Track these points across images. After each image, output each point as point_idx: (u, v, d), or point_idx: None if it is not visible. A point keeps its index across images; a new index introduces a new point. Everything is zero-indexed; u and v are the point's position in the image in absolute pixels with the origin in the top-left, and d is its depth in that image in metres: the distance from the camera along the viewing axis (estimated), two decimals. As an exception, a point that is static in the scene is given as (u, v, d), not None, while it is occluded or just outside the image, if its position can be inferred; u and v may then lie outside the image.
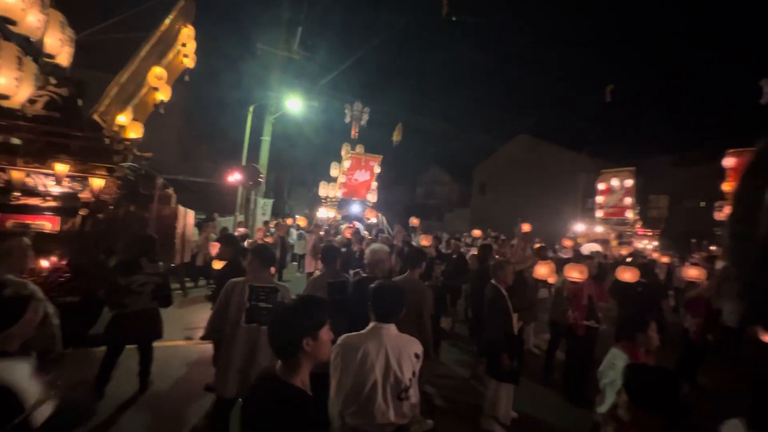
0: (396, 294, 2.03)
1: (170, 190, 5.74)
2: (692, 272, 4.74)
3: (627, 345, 2.81)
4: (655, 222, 14.47)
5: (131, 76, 5.38)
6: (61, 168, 4.42)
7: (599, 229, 13.00)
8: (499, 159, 26.58)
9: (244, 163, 11.70)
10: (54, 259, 4.40)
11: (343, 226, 9.93)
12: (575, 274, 4.13)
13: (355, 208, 13.07)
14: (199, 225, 9.27)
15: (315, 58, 12.83)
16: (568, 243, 10.32)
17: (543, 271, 4.31)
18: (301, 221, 10.36)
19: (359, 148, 13.38)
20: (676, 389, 1.58)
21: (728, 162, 9.98)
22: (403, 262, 4.00)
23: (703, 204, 15.81)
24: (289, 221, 9.72)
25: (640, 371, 1.72)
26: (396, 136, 13.86)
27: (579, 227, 13.68)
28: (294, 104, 11.81)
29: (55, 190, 4.60)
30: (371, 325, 2.01)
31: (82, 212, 4.63)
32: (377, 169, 13.54)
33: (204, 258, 8.26)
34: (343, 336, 1.99)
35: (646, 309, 4.59)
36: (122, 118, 5.31)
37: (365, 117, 13.58)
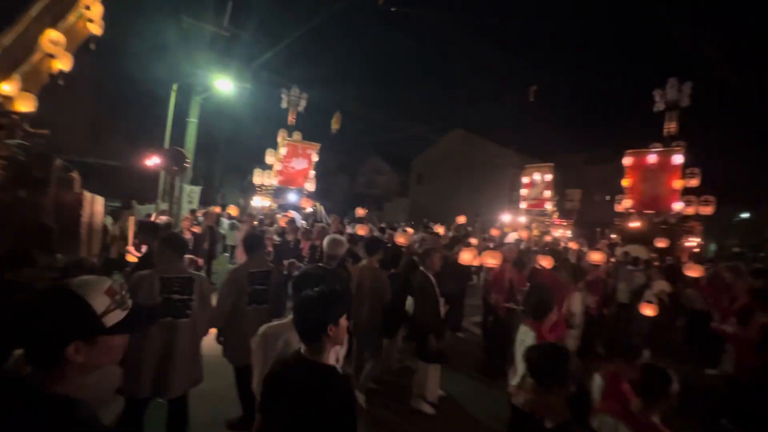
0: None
1: (74, 174, 5.06)
2: (595, 257, 5.37)
3: (535, 323, 3.11)
4: (569, 213, 16.07)
5: (19, 38, 4.59)
6: None
7: (523, 219, 14.12)
8: (436, 151, 27.51)
9: (167, 146, 10.72)
10: None
11: (279, 216, 9.61)
12: (490, 260, 4.46)
13: (291, 197, 12.70)
14: (114, 213, 8.35)
15: (247, 37, 12.07)
16: (495, 232, 11.07)
17: (467, 256, 4.59)
18: (232, 210, 9.81)
19: (296, 135, 12.97)
20: (566, 362, 1.76)
21: (626, 161, 11.41)
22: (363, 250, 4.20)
23: (608, 198, 17.87)
24: (217, 210, 9.13)
25: (540, 353, 1.88)
26: (334, 125, 13.66)
27: (506, 218, 14.74)
28: (224, 85, 11.03)
29: None
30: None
31: (-45, 197, 3.91)
32: (315, 158, 13.26)
33: (118, 249, 7.47)
34: (264, 326, 1.94)
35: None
36: (7, 87, 4.54)
37: (303, 103, 13.17)
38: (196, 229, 7.68)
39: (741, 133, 31.58)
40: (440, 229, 9.74)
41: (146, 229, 3.99)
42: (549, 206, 14.60)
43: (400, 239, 5.11)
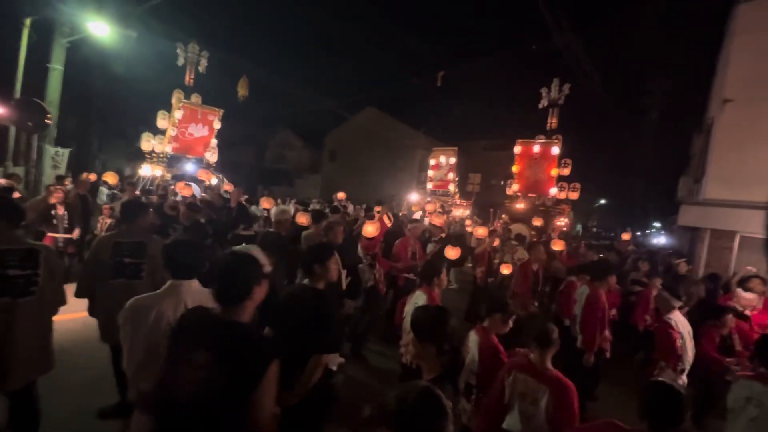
0: (193, 250, 1.89)
1: None
2: (479, 231, 5.98)
3: (427, 288, 3.40)
4: (469, 195, 17.55)
5: None
6: None
7: (429, 199, 15.00)
8: (350, 128, 27.26)
9: (18, 96, 8.70)
10: None
11: (172, 187, 8.65)
12: (369, 228, 4.75)
13: (189, 168, 11.47)
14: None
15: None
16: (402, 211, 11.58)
17: (370, 229, 4.76)
18: (110, 178, 8.49)
19: (195, 98, 11.60)
20: (445, 323, 1.95)
21: (516, 149, 12.84)
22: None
23: (502, 182, 20.00)
24: (92, 177, 7.79)
25: (421, 311, 2.06)
26: (241, 90, 12.58)
27: (413, 197, 15.48)
28: (99, 28, 9.22)
29: None
30: (168, 283, 1.83)
31: None
32: (217, 125, 12.10)
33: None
34: (133, 298, 1.76)
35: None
36: None
37: (203, 62, 11.78)
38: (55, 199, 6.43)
39: (602, 132, 37.78)
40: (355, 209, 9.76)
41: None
42: (452, 187, 15.73)
43: (301, 219, 5.12)
